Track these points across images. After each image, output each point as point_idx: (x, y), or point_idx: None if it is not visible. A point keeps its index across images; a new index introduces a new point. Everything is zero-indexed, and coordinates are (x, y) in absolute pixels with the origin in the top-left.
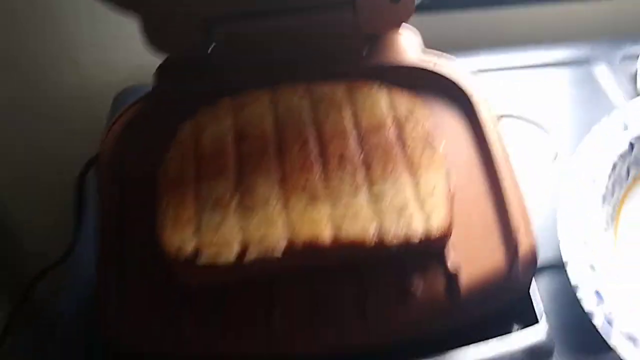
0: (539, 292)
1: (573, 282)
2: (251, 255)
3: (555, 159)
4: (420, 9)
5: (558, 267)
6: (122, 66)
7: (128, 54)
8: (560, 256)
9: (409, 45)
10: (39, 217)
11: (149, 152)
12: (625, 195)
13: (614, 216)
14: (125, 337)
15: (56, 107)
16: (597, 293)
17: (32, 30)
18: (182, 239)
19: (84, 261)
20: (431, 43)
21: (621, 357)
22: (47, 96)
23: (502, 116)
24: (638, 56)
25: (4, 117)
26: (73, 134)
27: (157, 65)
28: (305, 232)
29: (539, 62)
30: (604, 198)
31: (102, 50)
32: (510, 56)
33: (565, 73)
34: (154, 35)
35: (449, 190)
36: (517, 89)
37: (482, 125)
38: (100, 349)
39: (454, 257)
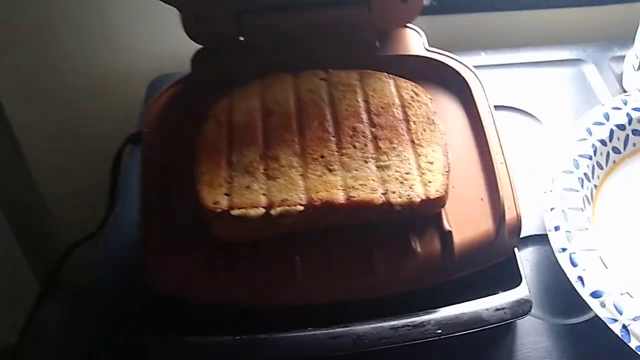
0: (523, 263)
1: (554, 246)
2: (276, 211)
3: (544, 147)
4: (427, 11)
5: (541, 241)
6: (157, 54)
7: (163, 43)
8: (543, 232)
9: (414, 40)
10: (74, 194)
11: (186, 124)
12: (604, 178)
13: (593, 195)
14: (167, 283)
15: (93, 91)
16: (571, 256)
17: (72, 17)
18: (217, 197)
19: (118, 232)
20: (436, 43)
21: (591, 310)
22: (85, 81)
23: (500, 107)
24: (624, 58)
25: (44, 99)
26: (108, 117)
27: (190, 53)
28: (322, 194)
29: (535, 60)
30: (585, 179)
31: (138, 39)
32: (508, 55)
33: (558, 72)
34: (192, 26)
35: (446, 162)
36: (515, 84)
37: (479, 109)
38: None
39: (449, 220)
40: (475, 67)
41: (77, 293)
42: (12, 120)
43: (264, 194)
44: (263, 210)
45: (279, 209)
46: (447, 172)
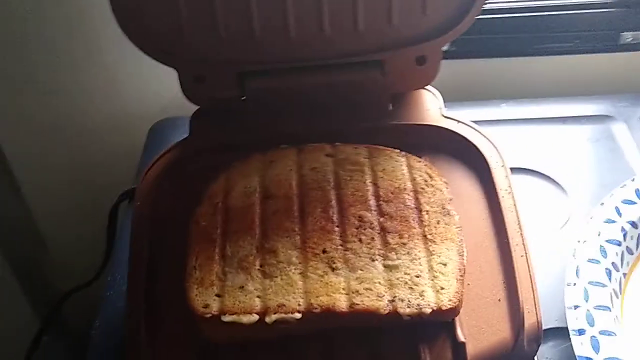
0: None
1: (577, 353)
2: (271, 318)
3: (567, 221)
4: (445, 56)
5: (563, 332)
6: (158, 97)
7: (164, 86)
8: (564, 325)
9: (430, 104)
10: (73, 239)
11: (181, 195)
12: (634, 266)
13: (622, 288)
14: None
15: (94, 136)
16: None
17: (71, 61)
18: (207, 300)
19: (112, 286)
20: (454, 89)
21: None
22: (85, 125)
23: (518, 169)
24: None
25: (43, 145)
26: (109, 163)
27: None
28: (322, 299)
29: (559, 115)
30: (613, 269)
31: (139, 82)
32: (531, 108)
33: (584, 129)
34: (191, 88)
35: (462, 264)
36: (536, 142)
37: (497, 192)
38: None
39: (462, 327)
40: (494, 121)
41: (73, 340)
42: (12, 160)
43: (258, 296)
44: (257, 317)
45: (274, 316)
46: (461, 277)
